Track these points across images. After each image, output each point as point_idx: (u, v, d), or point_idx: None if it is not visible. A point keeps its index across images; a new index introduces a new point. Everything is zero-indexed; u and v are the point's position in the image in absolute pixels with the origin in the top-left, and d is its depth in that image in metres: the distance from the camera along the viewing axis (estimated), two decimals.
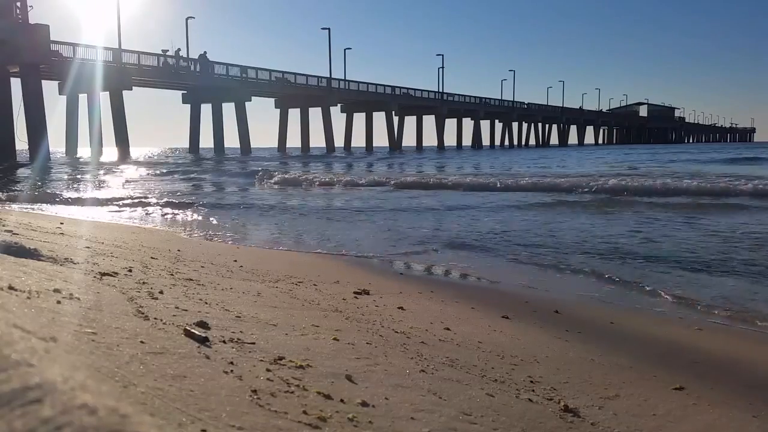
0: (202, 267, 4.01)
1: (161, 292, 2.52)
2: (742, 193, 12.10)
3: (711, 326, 3.65)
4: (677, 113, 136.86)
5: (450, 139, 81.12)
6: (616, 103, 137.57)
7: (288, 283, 3.86)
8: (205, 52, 46.33)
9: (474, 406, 1.79)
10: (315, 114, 58.98)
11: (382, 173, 21.89)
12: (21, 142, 32.75)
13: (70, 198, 12.20)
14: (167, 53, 44.02)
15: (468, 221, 8.90)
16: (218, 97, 48.51)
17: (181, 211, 10.17)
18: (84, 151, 42.52)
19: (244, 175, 22.32)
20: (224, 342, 1.87)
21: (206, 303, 2.55)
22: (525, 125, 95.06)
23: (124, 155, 39.59)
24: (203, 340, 1.80)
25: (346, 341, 2.27)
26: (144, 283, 2.73)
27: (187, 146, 53.83)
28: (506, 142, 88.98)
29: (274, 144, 61.90)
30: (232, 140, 53.57)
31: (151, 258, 4.00)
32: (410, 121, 73.63)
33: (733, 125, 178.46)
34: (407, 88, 69.06)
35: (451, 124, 79.70)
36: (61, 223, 5.79)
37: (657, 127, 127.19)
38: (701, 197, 11.74)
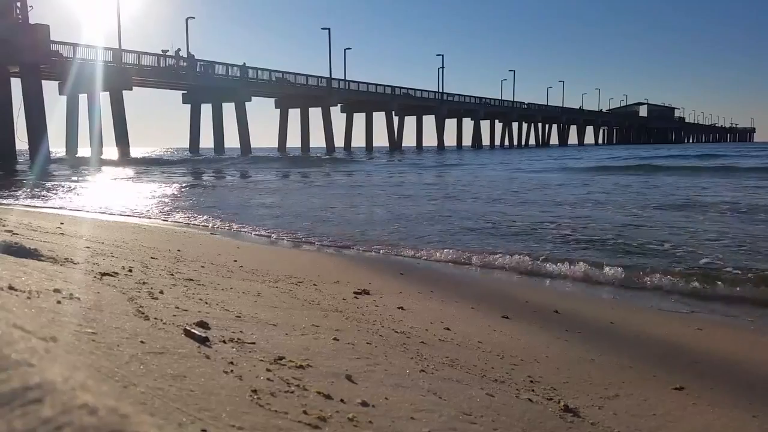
0: (202, 267, 4.01)
1: (161, 292, 2.52)
2: None
3: (711, 326, 3.65)
4: (677, 113, 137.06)
5: (450, 139, 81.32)
6: (616, 103, 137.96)
7: (288, 283, 3.86)
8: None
9: (474, 406, 1.79)
10: (315, 114, 59.06)
11: None
12: (21, 142, 32.77)
13: None
14: (167, 53, 44.11)
15: None
16: (218, 97, 48.57)
17: None
18: (84, 151, 42.52)
19: None
20: (224, 342, 1.87)
21: (206, 303, 2.55)
22: (525, 125, 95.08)
23: (124, 155, 39.60)
24: (203, 340, 1.80)
25: (346, 341, 2.27)
26: (144, 283, 2.73)
27: (188, 146, 53.88)
28: (506, 142, 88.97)
29: (275, 144, 61.94)
30: (232, 140, 53.69)
31: (151, 258, 4.00)
32: (410, 121, 73.76)
33: (733, 125, 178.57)
34: (407, 88, 69.08)
35: (451, 124, 79.84)
36: (61, 223, 5.79)
37: (657, 127, 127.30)
38: None
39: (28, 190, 13.76)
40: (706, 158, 32.06)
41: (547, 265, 5.38)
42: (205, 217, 9.11)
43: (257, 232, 7.43)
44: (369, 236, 7.16)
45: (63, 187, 15.39)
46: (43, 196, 12.86)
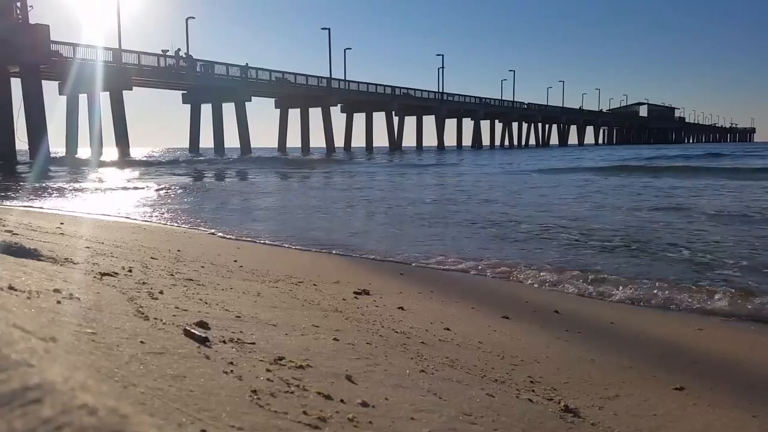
0: (202, 267, 4.01)
1: (161, 292, 2.52)
2: None
3: (711, 326, 3.65)
4: (677, 113, 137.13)
5: (450, 139, 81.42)
6: (616, 103, 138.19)
7: (288, 283, 3.86)
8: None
9: (474, 406, 1.79)
10: (315, 114, 59.10)
11: None
12: (21, 142, 32.80)
13: None
14: (167, 53, 44.15)
15: None
16: (218, 97, 48.61)
17: None
18: (84, 151, 42.56)
19: None
20: (224, 342, 1.87)
21: (206, 303, 2.55)
22: (525, 125, 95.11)
23: (125, 155, 39.61)
24: (203, 340, 1.80)
25: (346, 341, 2.27)
26: (144, 283, 2.73)
27: (188, 146, 53.91)
28: (506, 143, 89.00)
29: (275, 144, 62.01)
30: (232, 140, 53.72)
31: (151, 258, 4.00)
32: (410, 121, 73.82)
33: (733, 125, 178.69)
34: (407, 88, 69.12)
35: (451, 124, 79.91)
36: (61, 223, 5.80)
37: (657, 127, 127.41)
38: None
39: (27, 194, 13.75)
40: (711, 158, 31.50)
41: (568, 280, 4.79)
42: (198, 221, 9.10)
43: (249, 238, 7.34)
44: (366, 244, 6.97)
45: (62, 191, 15.40)
46: (41, 198, 12.86)
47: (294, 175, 24.50)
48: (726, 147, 66.18)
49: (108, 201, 12.28)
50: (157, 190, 15.30)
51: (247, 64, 50.36)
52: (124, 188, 16.12)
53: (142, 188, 16.00)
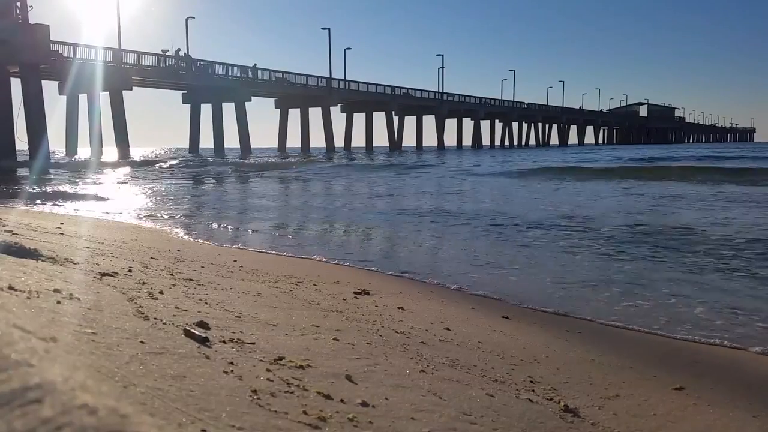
0: (202, 267, 4.01)
1: (161, 292, 2.52)
2: None
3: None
4: (677, 113, 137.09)
5: (450, 139, 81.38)
6: (616, 103, 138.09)
7: (288, 283, 3.85)
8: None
9: (474, 406, 1.79)
10: (315, 114, 59.11)
11: None
12: (21, 142, 32.78)
13: None
14: (167, 53, 44.15)
15: None
16: (218, 97, 48.61)
17: None
18: (84, 151, 42.51)
19: None
20: (224, 342, 1.87)
21: (206, 303, 2.55)
22: (525, 125, 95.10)
23: (124, 155, 39.60)
24: (203, 340, 1.80)
25: (346, 341, 2.27)
26: (144, 283, 2.73)
27: (187, 146, 53.91)
28: (506, 142, 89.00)
29: (275, 144, 61.99)
30: (232, 140, 53.71)
31: (151, 258, 4.00)
32: (410, 121, 73.76)
33: (733, 125, 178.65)
34: (407, 88, 69.10)
35: (451, 124, 79.86)
36: (61, 223, 5.80)
37: (657, 127, 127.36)
38: None
39: (25, 200, 13.69)
40: (723, 160, 28.38)
41: None
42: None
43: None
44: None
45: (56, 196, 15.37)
46: (38, 203, 12.84)
47: (309, 179, 24.28)
48: (728, 146, 65.61)
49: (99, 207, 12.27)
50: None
51: (255, 65, 50.67)
52: (100, 198, 16.12)
53: (110, 199, 15.96)
